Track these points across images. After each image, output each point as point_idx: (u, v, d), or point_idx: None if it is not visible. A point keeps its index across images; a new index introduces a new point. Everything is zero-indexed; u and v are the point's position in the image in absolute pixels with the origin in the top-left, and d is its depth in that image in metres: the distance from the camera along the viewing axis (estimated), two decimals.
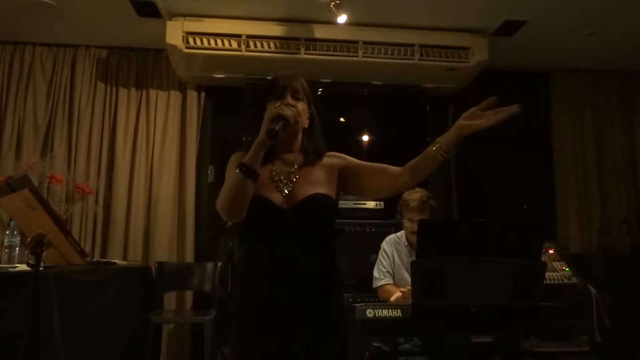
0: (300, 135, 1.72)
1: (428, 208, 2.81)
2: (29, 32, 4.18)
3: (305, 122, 1.71)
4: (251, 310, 1.60)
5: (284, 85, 1.67)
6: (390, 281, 2.87)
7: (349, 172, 1.72)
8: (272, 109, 1.61)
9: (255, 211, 1.58)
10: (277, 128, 1.52)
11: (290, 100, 1.65)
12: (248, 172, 1.52)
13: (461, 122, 1.52)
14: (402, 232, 2.97)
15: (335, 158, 1.75)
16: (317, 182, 1.66)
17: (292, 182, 1.65)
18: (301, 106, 1.67)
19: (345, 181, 1.73)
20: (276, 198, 1.62)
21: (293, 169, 1.67)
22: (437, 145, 1.54)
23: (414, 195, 2.82)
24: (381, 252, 2.96)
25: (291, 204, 1.61)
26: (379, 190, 1.74)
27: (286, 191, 1.63)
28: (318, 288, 1.60)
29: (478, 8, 3.70)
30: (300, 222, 1.59)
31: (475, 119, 1.50)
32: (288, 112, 1.58)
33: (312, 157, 1.70)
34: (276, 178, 1.66)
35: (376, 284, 2.91)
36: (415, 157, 1.61)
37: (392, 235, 3.02)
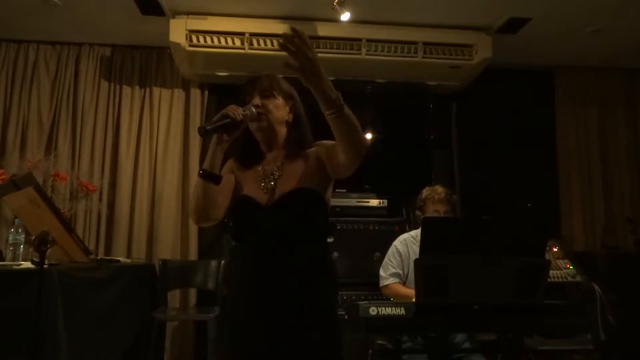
0: (282, 131, 1.70)
1: (453, 202, 2.79)
2: (33, 31, 4.19)
3: (284, 117, 1.69)
4: (238, 308, 1.62)
5: (252, 86, 1.69)
6: (398, 280, 2.77)
7: (324, 156, 1.64)
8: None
9: (238, 210, 1.62)
10: (208, 127, 1.50)
11: (257, 100, 1.65)
12: (206, 176, 1.53)
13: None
14: (417, 231, 2.86)
15: (316, 146, 1.70)
16: (300, 176, 1.63)
17: (275, 179, 1.64)
18: (274, 103, 1.67)
19: (325, 166, 1.63)
20: (259, 196, 1.62)
21: (277, 165, 1.66)
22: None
23: (438, 189, 2.79)
24: (392, 251, 2.84)
25: (271, 201, 1.61)
26: (338, 166, 1.56)
27: (269, 188, 1.63)
28: (299, 286, 1.57)
29: (482, 5, 3.69)
30: (278, 219, 1.58)
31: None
32: (238, 111, 1.54)
33: (294, 149, 1.68)
34: (261, 177, 1.66)
35: (382, 283, 2.80)
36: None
37: (406, 235, 2.90)
